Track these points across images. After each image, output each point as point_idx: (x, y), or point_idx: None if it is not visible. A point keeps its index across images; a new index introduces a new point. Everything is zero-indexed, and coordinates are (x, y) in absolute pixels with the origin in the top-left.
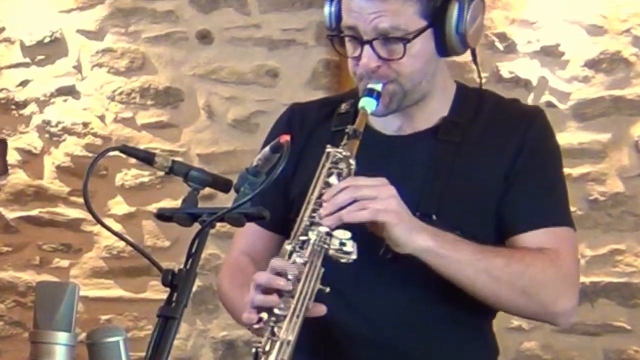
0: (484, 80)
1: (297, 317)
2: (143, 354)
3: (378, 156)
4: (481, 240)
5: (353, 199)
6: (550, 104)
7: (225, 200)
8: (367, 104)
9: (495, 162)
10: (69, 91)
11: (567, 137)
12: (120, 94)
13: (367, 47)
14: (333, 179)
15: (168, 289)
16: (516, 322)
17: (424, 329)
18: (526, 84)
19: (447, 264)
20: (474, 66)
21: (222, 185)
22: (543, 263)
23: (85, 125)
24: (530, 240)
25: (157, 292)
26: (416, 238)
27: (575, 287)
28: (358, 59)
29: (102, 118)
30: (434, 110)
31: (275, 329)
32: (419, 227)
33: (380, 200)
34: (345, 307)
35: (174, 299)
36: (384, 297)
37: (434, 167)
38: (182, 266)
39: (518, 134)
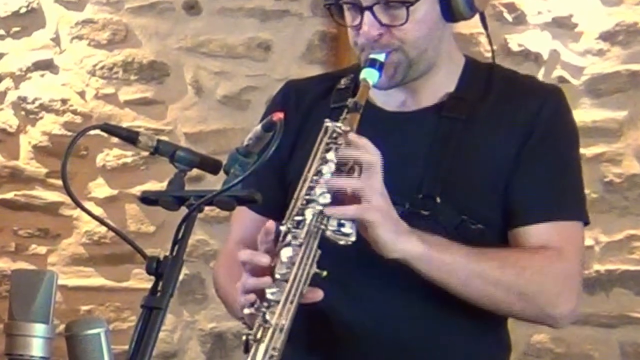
0: (490, 54)
1: (291, 302)
2: (126, 347)
3: (378, 134)
4: (488, 224)
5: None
6: (562, 79)
7: (214, 183)
8: (369, 75)
9: (504, 142)
10: (46, 65)
11: (581, 114)
12: (102, 68)
13: (367, 14)
14: (331, 155)
15: (153, 278)
16: None
17: (430, 321)
18: (536, 58)
19: (437, 270)
20: (480, 38)
21: (211, 166)
22: (542, 264)
23: (64, 102)
24: (533, 234)
25: (141, 280)
26: (403, 242)
27: (576, 289)
28: (358, 27)
29: (82, 94)
30: (440, 85)
31: (268, 315)
32: (406, 230)
33: (374, 198)
34: (346, 295)
35: (159, 288)
36: (388, 286)
37: (438, 146)
38: (167, 253)
39: (530, 113)
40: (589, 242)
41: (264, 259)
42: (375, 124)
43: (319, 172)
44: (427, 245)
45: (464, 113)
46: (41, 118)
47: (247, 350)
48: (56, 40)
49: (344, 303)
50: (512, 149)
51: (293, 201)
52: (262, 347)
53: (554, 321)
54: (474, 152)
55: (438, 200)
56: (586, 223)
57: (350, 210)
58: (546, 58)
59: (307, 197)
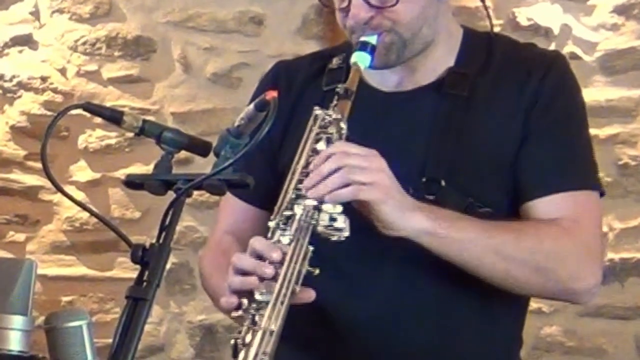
0: (498, 29)
1: (282, 303)
2: (109, 340)
3: (375, 116)
4: (497, 207)
5: (338, 167)
6: (574, 56)
7: (204, 166)
8: (360, 59)
9: (509, 117)
10: (25, 41)
11: (594, 93)
12: (84, 44)
13: None
14: (321, 145)
15: (138, 267)
16: (535, 304)
17: (435, 313)
18: (547, 33)
19: (447, 246)
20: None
21: (200, 148)
22: (559, 235)
23: (43, 79)
24: (545, 207)
25: (125, 270)
26: (409, 219)
27: (597, 260)
28: (347, 9)
29: (63, 71)
30: (438, 60)
31: (257, 318)
32: (412, 205)
33: (368, 172)
34: (347, 288)
35: (144, 278)
36: (391, 277)
37: (440, 126)
38: (154, 240)
39: (533, 83)
40: None
41: (269, 270)
42: (371, 106)
43: (308, 165)
44: (435, 221)
45: (465, 89)
46: (19, 97)
47: (235, 355)
48: (35, 14)
49: (344, 297)
50: (517, 123)
51: (282, 195)
52: (252, 351)
53: (577, 296)
54: (477, 131)
55: (443, 183)
56: (602, 194)
57: (345, 191)
58: (557, 33)
59: (297, 191)
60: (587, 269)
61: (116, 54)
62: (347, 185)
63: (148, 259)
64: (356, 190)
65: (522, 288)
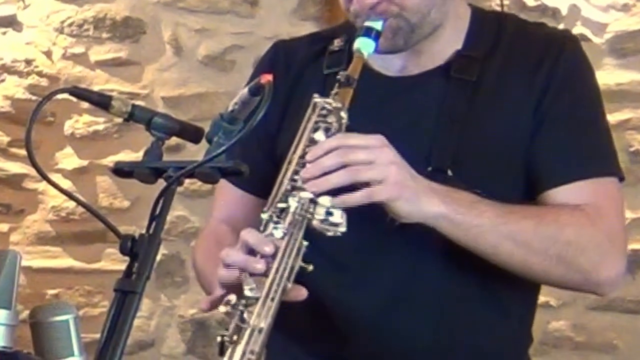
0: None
1: (272, 300)
2: (97, 335)
3: (378, 102)
4: (505, 199)
5: (343, 164)
6: (583, 37)
7: (196, 153)
8: (364, 45)
9: (519, 104)
10: (8, 22)
11: (603, 76)
12: (70, 25)
13: None
14: (319, 135)
15: (127, 258)
16: (543, 297)
17: (440, 307)
18: (554, 14)
19: (464, 231)
20: None
21: (192, 134)
22: (580, 223)
23: (28, 62)
24: (564, 196)
25: (114, 261)
26: (424, 204)
27: (620, 248)
28: None
29: (48, 54)
30: (446, 43)
31: (245, 314)
32: (427, 190)
33: (376, 167)
34: (347, 282)
35: (134, 270)
36: (393, 271)
37: (447, 113)
38: (143, 231)
39: (545, 67)
40: None
41: (259, 266)
42: (375, 91)
43: (305, 155)
44: (451, 206)
45: (474, 74)
46: (3, 81)
47: (222, 353)
48: None
49: (344, 291)
50: (528, 109)
51: (276, 186)
52: (239, 350)
53: (599, 288)
54: (486, 118)
55: (449, 173)
56: (621, 179)
57: (357, 196)
58: (565, 14)
59: (292, 182)
60: (609, 259)
61: (104, 35)
62: (353, 184)
63: (137, 250)
64: (369, 194)
65: (542, 277)
